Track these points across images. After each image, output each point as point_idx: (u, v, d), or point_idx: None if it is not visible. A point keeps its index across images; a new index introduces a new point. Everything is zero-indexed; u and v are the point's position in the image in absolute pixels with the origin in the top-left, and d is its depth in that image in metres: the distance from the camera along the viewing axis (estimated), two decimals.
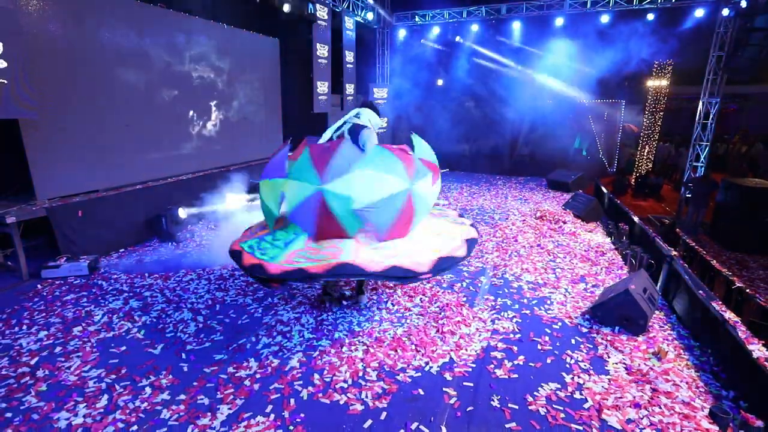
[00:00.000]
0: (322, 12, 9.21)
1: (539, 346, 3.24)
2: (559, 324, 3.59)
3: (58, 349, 3.17)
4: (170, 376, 2.88)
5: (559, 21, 10.50)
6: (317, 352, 3.15)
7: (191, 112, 6.80)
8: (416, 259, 2.88)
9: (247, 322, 3.63)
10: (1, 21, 3.93)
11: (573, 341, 3.31)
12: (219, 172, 7.14)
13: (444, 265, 2.95)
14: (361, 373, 2.91)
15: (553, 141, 12.36)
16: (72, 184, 5.13)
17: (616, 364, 3.01)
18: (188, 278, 4.54)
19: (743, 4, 8.21)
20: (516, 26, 11.01)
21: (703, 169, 9.70)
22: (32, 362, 3.00)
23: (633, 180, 14.09)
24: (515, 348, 3.21)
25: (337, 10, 10.10)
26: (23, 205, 4.62)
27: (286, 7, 7.65)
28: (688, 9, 9.70)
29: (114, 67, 5.48)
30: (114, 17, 5.40)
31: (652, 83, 13.14)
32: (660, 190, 13.36)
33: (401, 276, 2.79)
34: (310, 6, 8.37)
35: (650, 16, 9.83)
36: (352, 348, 3.21)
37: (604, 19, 10.27)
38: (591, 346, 3.23)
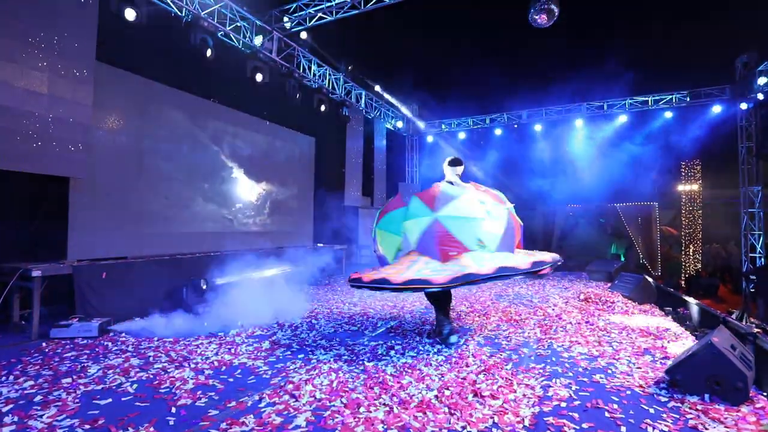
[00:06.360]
0: (356, 117, 10.21)
1: (607, 413, 2.55)
2: (629, 392, 2.88)
3: (37, 398, 2.80)
4: (152, 429, 2.40)
5: (579, 122, 11.06)
6: (329, 412, 2.60)
7: (226, 195, 7.15)
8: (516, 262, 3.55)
9: (253, 382, 3.15)
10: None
11: (651, 410, 2.59)
12: (249, 253, 7.14)
13: (540, 265, 3.63)
14: None
15: (587, 247, 12.02)
16: (103, 248, 5.21)
17: None
18: (198, 342, 4.17)
19: (760, 96, 8.44)
20: (537, 129, 11.61)
21: (763, 259, 8.87)
22: (4, 409, 2.62)
23: (683, 282, 12.98)
24: (576, 415, 2.53)
25: (369, 117, 11.17)
26: (52, 263, 4.65)
27: (323, 108, 8.51)
28: (704, 108, 10.03)
29: (164, 146, 6.01)
30: (172, 106, 6.13)
31: (683, 187, 12.97)
32: (717, 291, 12.13)
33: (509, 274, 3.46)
34: (345, 110, 9.29)
35: (668, 114, 10.18)
36: (371, 409, 2.64)
37: (622, 119, 10.75)
38: (677, 416, 2.51)
